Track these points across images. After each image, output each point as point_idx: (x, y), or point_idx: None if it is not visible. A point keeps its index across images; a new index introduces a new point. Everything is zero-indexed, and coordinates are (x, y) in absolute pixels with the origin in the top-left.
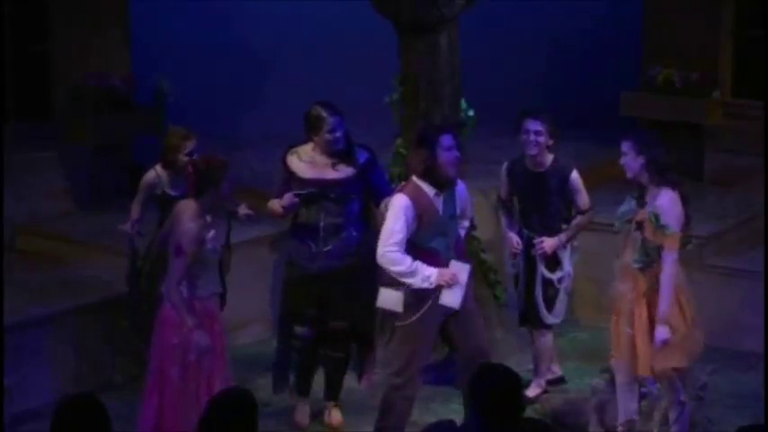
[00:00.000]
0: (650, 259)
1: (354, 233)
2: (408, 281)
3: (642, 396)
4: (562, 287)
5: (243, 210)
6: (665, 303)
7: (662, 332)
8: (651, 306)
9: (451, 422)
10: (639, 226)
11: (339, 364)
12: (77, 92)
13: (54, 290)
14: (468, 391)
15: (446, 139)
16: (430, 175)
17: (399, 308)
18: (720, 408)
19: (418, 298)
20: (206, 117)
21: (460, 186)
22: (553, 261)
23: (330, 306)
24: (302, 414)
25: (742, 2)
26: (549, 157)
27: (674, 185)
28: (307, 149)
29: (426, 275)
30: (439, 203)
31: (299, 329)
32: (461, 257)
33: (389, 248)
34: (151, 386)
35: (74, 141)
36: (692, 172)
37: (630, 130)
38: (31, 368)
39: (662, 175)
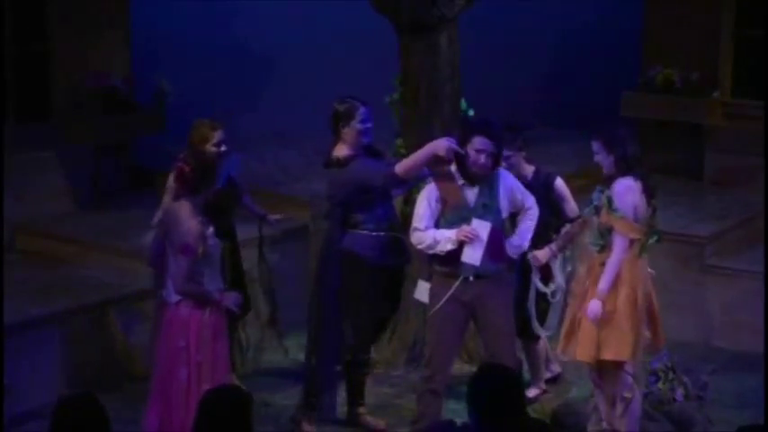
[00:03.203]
0: (605, 242)
1: None
2: (438, 250)
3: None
4: (554, 301)
5: (273, 216)
6: (605, 282)
7: (593, 305)
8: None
9: (451, 422)
10: (597, 210)
11: (369, 365)
12: (77, 92)
13: (54, 290)
14: (468, 391)
15: (480, 142)
16: (458, 162)
17: (426, 299)
18: (720, 408)
19: (441, 288)
20: (206, 117)
21: (506, 178)
22: (546, 274)
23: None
24: (311, 423)
25: (742, 2)
26: (530, 169)
27: (636, 177)
28: (346, 152)
29: (447, 237)
30: (469, 193)
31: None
32: (495, 249)
33: (414, 231)
34: (157, 388)
35: (74, 141)
36: (692, 172)
37: (601, 127)
38: (31, 368)
39: (629, 168)
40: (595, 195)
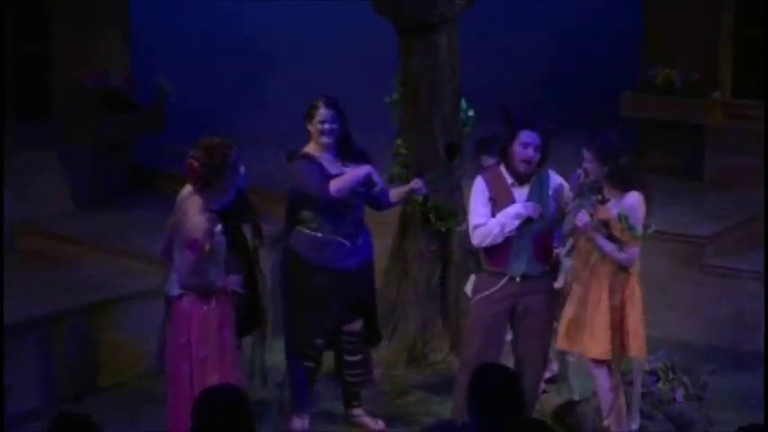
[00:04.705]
0: (618, 240)
1: (366, 225)
2: (508, 232)
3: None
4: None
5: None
6: (607, 249)
7: (584, 216)
8: (613, 292)
9: (452, 422)
10: (606, 224)
11: (360, 366)
12: (77, 92)
13: (54, 290)
14: (468, 391)
15: (526, 135)
16: (504, 157)
17: (470, 291)
18: (720, 408)
19: (486, 282)
20: (206, 117)
21: (555, 179)
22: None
23: (354, 304)
24: (303, 422)
25: (742, 2)
26: None
27: (639, 188)
28: (311, 148)
29: (515, 213)
30: (519, 194)
31: (318, 341)
32: (542, 250)
33: (475, 229)
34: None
35: (74, 141)
36: (692, 172)
37: (594, 135)
38: (31, 368)
39: (628, 181)
40: (585, 200)
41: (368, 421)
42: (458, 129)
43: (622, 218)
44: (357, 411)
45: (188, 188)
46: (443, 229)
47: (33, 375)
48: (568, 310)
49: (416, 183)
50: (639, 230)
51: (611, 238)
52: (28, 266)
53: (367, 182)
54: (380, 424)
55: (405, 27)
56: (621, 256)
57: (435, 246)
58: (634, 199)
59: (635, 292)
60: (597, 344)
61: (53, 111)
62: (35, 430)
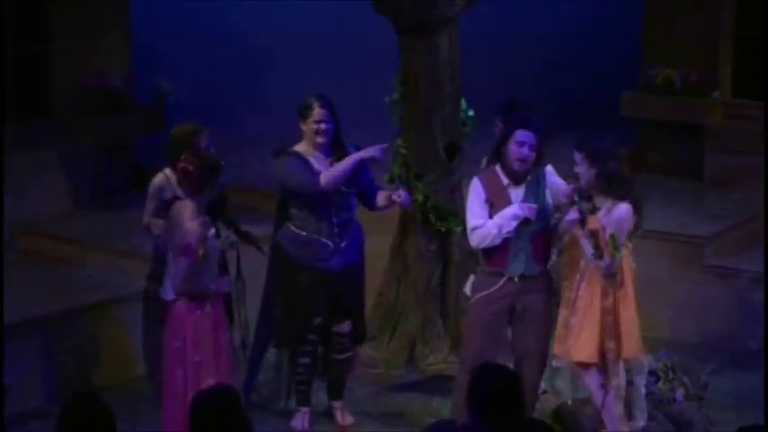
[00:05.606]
0: (601, 251)
1: (358, 226)
2: (506, 233)
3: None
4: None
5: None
6: (588, 249)
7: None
8: (605, 295)
9: (452, 422)
10: (594, 234)
11: (346, 364)
12: (77, 92)
13: (54, 290)
14: (468, 391)
15: (521, 134)
16: (499, 157)
17: (469, 290)
18: (720, 408)
19: (485, 282)
20: (206, 116)
21: (552, 177)
22: None
23: (340, 305)
24: (303, 421)
25: (742, 2)
26: None
27: (627, 195)
28: (303, 147)
29: (512, 214)
30: (515, 194)
31: (311, 336)
32: (540, 250)
33: (473, 231)
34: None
35: (74, 141)
36: (692, 172)
37: (587, 137)
38: (31, 368)
39: (619, 187)
40: (575, 210)
41: (338, 414)
42: (458, 129)
43: (611, 240)
44: (336, 404)
45: (160, 176)
46: (443, 229)
47: (33, 375)
48: (561, 315)
49: (399, 195)
50: (621, 255)
51: (596, 247)
52: (28, 266)
53: (360, 168)
54: (348, 419)
55: (405, 27)
56: (599, 262)
57: (435, 246)
58: (623, 211)
59: (628, 293)
60: (584, 347)
61: (53, 111)
62: (35, 430)
